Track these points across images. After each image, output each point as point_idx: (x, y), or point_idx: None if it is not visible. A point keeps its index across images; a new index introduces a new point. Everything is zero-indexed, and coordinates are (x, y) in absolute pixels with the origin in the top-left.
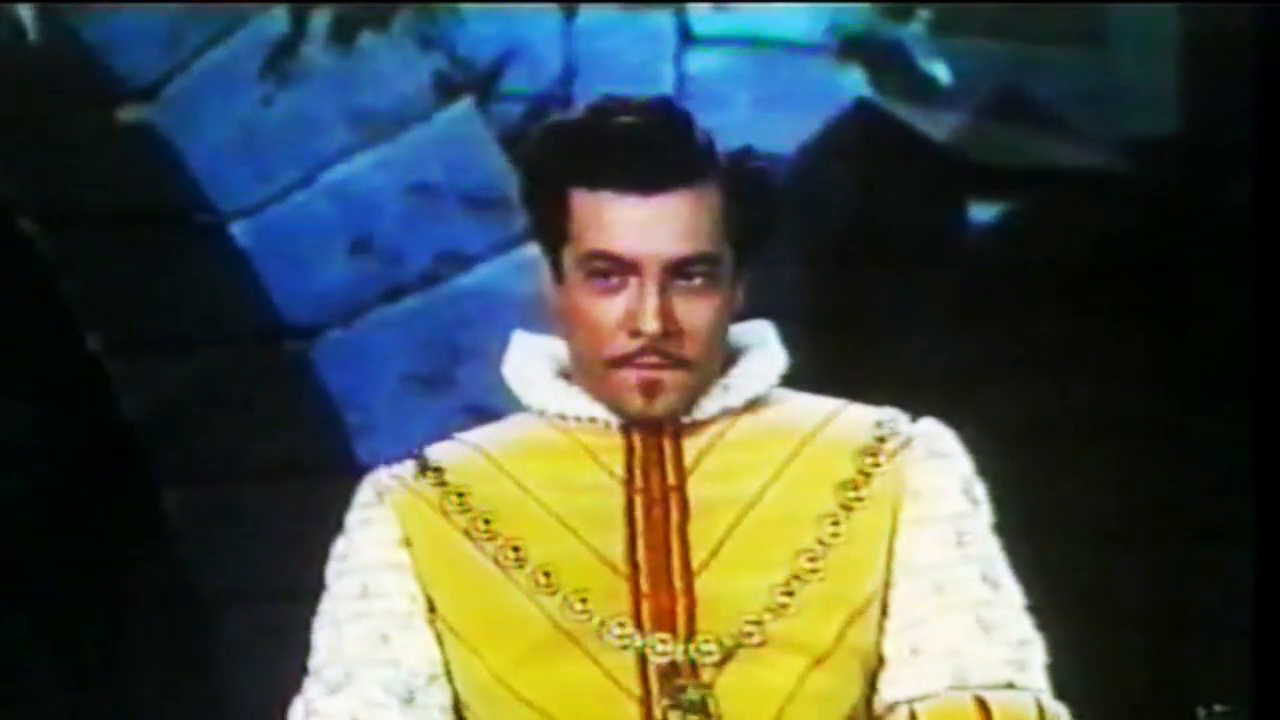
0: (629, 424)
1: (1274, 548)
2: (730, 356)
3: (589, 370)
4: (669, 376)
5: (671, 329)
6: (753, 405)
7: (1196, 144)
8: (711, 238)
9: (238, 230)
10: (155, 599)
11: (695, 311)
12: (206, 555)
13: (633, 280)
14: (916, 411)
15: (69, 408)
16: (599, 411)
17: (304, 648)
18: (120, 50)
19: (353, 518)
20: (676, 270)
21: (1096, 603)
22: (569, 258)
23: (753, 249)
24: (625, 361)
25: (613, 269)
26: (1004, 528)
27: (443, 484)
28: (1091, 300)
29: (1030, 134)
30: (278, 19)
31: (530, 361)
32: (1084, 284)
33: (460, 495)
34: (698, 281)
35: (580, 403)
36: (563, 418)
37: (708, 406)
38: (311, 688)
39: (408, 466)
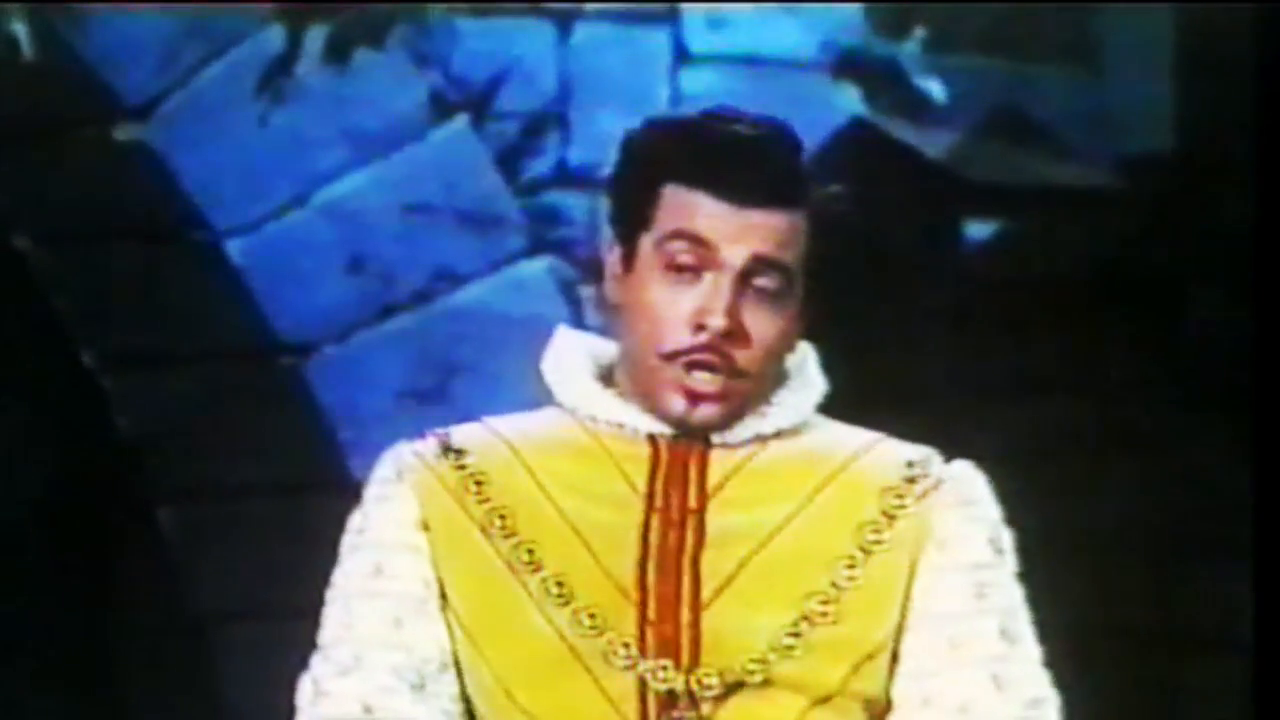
0: (657, 435)
1: (1274, 563)
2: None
3: (639, 365)
4: (717, 385)
5: (736, 331)
6: (785, 432)
7: (1191, 161)
8: (793, 256)
9: (232, 248)
10: (149, 615)
11: (761, 321)
12: (200, 571)
13: (708, 276)
14: (911, 428)
15: (63, 424)
16: (629, 418)
17: (299, 664)
18: (115, 68)
19: (371, 493)
20: (753, 273)
21: (1095, 619)
22: (647, 243)
23: (822, 285)
24: (680, 357)
25: (691, 259)
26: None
27: (463, 467)
28: (1087, 318)
29: (1025, 151)
30: (273, 37)
31: (570, 358)
32: (1079, 301)
33: (479, 482)
34: (768, 294)
35: (613, 407)
36: (593, 420)
37: (742, 429)
38: (320, 666)
39: (430, 444)
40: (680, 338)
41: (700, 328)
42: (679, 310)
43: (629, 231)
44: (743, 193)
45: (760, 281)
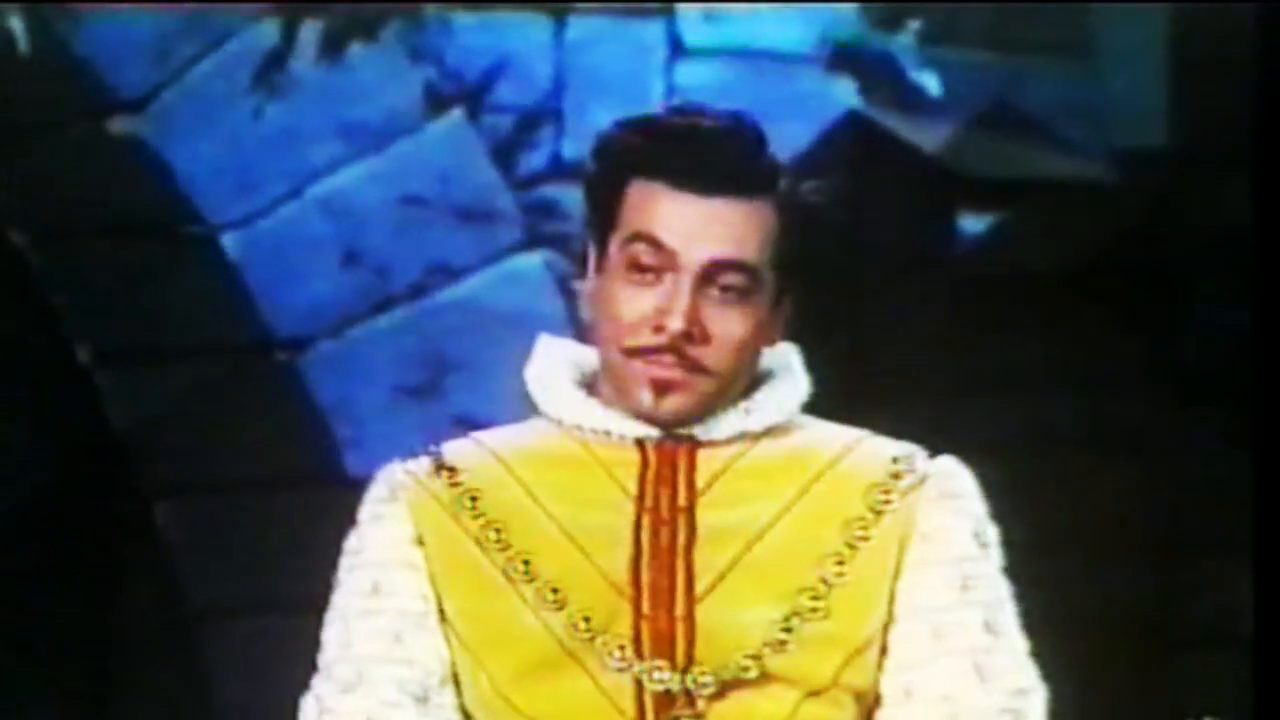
0: (644, 439)
1: (1274, 559)
2: (755, 380)
3: (608, 362)
4: (683, 378)
5: (696, 332)
6: (771, 431)
7: (1187, 155)
8: (756, 252)
9: (227, 242)
10: (145, 611)
11: (725, 321)
12: (196, 566)
13: (668, 277)
14: (905, 424)
15: (59, 420)
16: (615, 425)
17: (295, 659)
18: (110, 62)
19: (365, 513)
20: (713, 275)
21: (1093, 616)
22: (614, 245)
23: (796, 279)
24: (641, 353)
25: (652, 260)
26: (999, 541)
27: (456, 485)
28: (1082, 311)
29: (1021, 145)
30: (267, 31)
31: (553, 368)
32: (1074, 295)
33: (473, 499)
34: (733, 293)
35: (597, 414)
36: (580, 429)
37: (725, 427)
38: (322, 685)
39: (423, 463)
40: (641, 336)
41: (659, 329)
42: (640, 308)
43: (600, 234)
44: (703, 181)
45: (724, 280)
